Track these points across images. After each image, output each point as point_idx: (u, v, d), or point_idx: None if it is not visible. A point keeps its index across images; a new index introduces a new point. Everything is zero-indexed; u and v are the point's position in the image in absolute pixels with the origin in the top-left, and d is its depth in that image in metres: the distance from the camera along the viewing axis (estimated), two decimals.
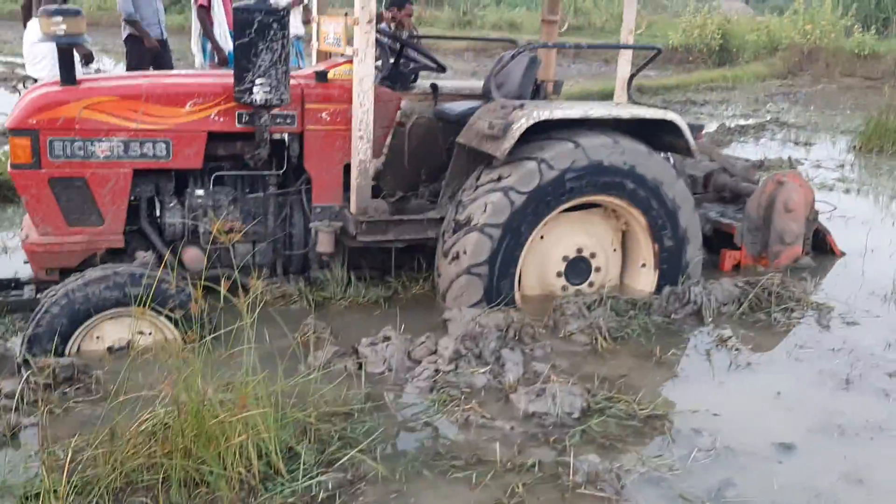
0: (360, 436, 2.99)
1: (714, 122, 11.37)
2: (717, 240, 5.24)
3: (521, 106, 4.23)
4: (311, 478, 2.70)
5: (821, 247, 5.40)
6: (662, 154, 4.79)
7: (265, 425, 2.71)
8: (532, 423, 3.18)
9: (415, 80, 5.32)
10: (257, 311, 2.84)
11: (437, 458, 2.92)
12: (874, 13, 22.36)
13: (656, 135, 4.59)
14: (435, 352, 3.64)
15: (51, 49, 6.40)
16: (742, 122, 11.32)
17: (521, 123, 4.11)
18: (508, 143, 4.10)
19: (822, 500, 2.73)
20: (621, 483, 2.77)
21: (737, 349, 3.91)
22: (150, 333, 3.67)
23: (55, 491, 2.46)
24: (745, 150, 9.11)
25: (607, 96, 13.50)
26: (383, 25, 6.92)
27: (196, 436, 2.58)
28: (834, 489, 2.80)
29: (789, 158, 8.48)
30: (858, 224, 6.20)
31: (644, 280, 4.65)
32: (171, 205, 4.27)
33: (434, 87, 5.24)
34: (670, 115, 4.45)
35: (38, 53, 6.76)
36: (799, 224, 5.06)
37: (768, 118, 11.63)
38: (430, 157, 5.05)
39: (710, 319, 4.23)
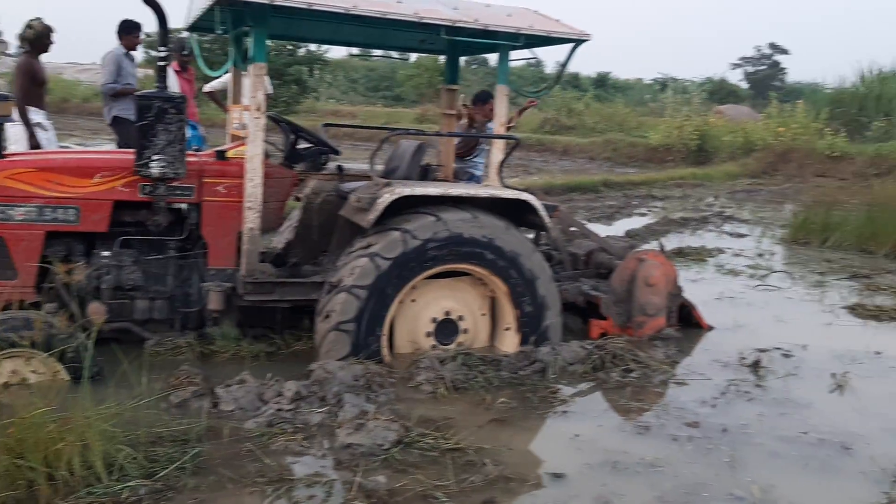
0: (187, 458, 3.43)
1: (661, 213, 11.96)
2: (592, 311, 5.70)
3: (389, 184, 4.81)
4: (126, 484, 3.14)
5: (689, 320, 5.85)
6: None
7: (92, 439, 3.18)
8: (345, 453, 3.61)
9: (326, 162, 5.95)
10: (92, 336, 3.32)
11: (244, 476, 3.35)
12: (854, 117, 23.19)
13: (519, 213, 5.15)
14: (281, 393, 4.10)
15: (21, 132, 7.16)
16: (689, 214, 11.89)
17: (385, 198, 4.68)
18: (373, 214, 4.67)
19: None
20: (394, 499, 3.19)
21: (562, 400, 4.35)
22: (41, 372, 4.17)
23: None
24: (677, 239, 9.64)
25: (570, 189, 14.19)
26: (464, 121, 7.49)
27: (22, 440, 3.05)
28: None
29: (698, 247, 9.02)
30: (743, 304, 6.65)
31: (509, 342, 5.11)
32: (80, 264, 4.82)
33: (340, 168, 5.87)
34: (525, 196, 5.01)
35: (11, 136, 7.47)
36: (661, 297, 5.53)
37: (713, 212, 12.20)
38: (334, 230, 5.62)
39: (553, 376, 4.66)
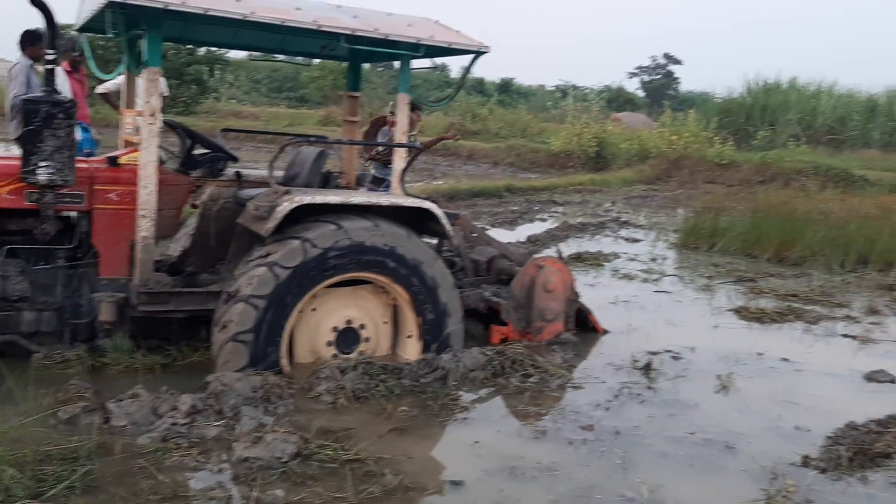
0: (76, 476, 3.31)
1: (561, 218, 12.26)
2: (493, 317, 5.80)
3: (288, 191, 4.77)
4: None
5: (586, 324, 6.03)
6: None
7: None
8: (242, 466, 3.56)
9: (223, 168, 5.84)
10: None
11: (137, 494, 3.27)
12: (742, 126, 24.35)
13: (421, 221, 5.19)
14: (176, 407, 4.01)
15: None
16: (588, 219, 12.24)
17: (285, 206, 4.64)
18: (272, 223, 4.61)
19: None
20: None
21: (463, 407, 4.41)
22: None
23: None
24: (576, 244, 9.92)
25: (474, 194, 14.34)
26: (386, 128, 7.47)
27: None
28: None
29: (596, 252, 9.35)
30: (637, 308, 6.90)
31: (411, 349, 5.13)
32: None
33: (238, 174, 5.77)
34: (426, 204, 5.06)
35: None
36: (559, 303, 5.68)
37: (611, 217, 12.60)
38: (232, 238, 5.51)
39: (454, 383, 4.72)
